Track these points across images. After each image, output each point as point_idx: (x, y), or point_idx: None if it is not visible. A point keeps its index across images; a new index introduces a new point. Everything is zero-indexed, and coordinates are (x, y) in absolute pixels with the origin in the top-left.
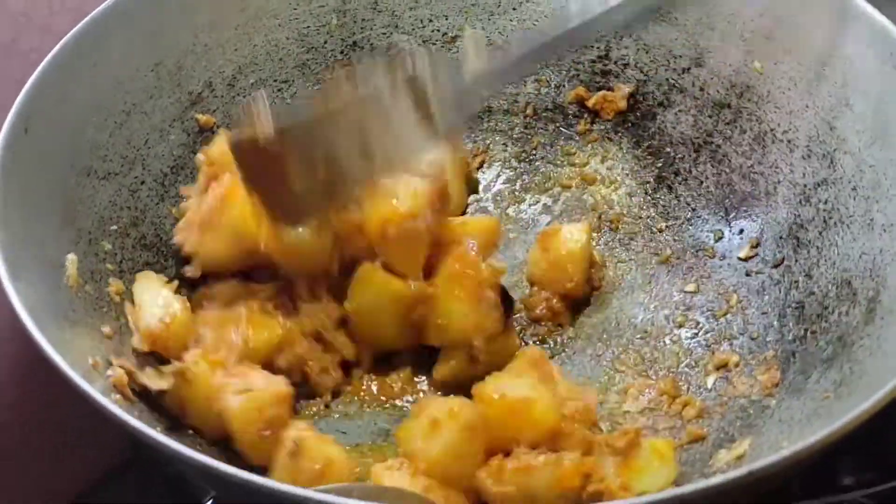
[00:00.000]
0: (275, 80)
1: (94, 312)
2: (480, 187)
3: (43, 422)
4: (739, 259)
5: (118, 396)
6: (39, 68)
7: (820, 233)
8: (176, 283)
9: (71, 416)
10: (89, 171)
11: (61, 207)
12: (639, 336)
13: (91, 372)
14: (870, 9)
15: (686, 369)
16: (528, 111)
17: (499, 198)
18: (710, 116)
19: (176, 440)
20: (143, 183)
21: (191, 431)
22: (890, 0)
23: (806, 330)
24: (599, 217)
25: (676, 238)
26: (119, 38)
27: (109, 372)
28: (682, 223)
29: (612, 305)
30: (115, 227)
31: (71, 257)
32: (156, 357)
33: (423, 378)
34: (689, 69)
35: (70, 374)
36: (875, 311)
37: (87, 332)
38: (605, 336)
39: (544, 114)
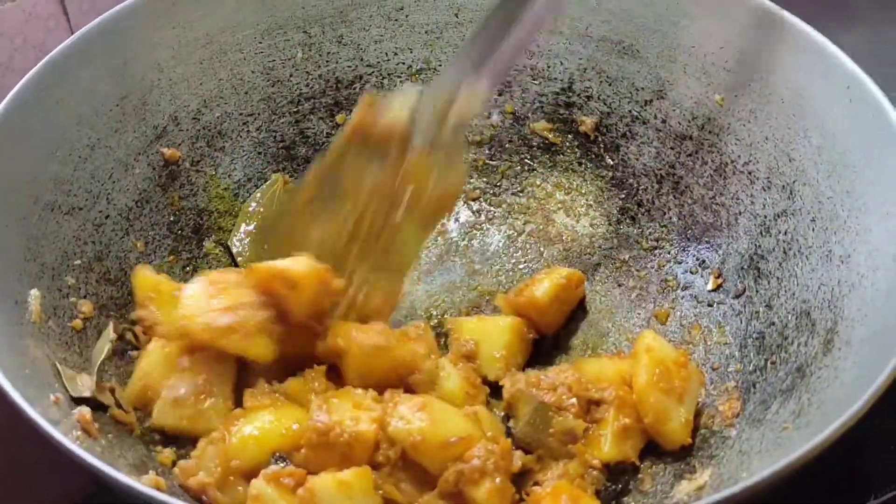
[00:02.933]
0: (240, 114)
1: (58, 348)
2: (445, 218)
3: (8, 457)
4: (702, 290)
5: (80, 433)
6: (1, 105)
7: (780, 263)
8: None
9: (37, 451)
10: (53, 206)
11: (24, 242)
12: None
13: (52, 409)
14: (825, 41)
15: None
16: (493, 143)
17: (464, 228)
18: (672, 148)
19: (137, 478)
20: (107, 217)
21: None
22: (844, 30)
23: (766, 360)
24: (563, 248)
25: (639, 269)
26: (82, 74)
27: (74, 410)
28: (646, 254)
29: (575, 335)
30: (78, 262)
31: (34, 293)
32: None
33: None
34: (651, 101)
35: (30, 412)
36: (833, 341)
37: (49, 369)
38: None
39: (508, 145)
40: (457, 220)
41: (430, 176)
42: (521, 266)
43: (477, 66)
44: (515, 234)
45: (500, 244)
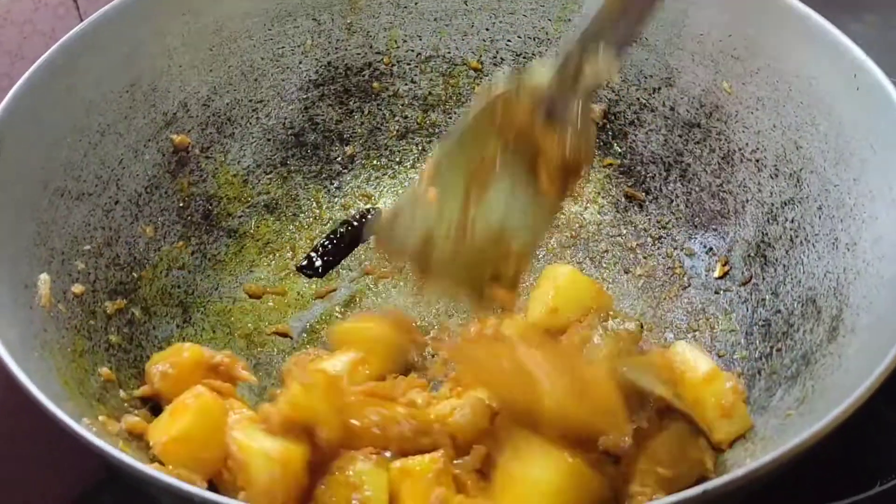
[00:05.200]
0: (249, 100)
1: (67, 332)
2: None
3: (14, 440)
4: (709, 277)
5: (87, 421)
6: (11, 92)
7: (787, 251)
8: None
9: (44, 435)
10: (63, 192)
11: (34, 227)
12: None
13: (61, 393)
14: (833, 29)
15: None
16: None
17: None
18: (679, 136)
19: (146, 463)
20: (117, 203)
21: None
22: (854, 18)
23: (772, 347)
24: (571, 235)
25: (647, 256)
26: (92, 61)
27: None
28: (653, 241)
29: None
30: (88, 247)
31: (44, 277)
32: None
33: None
34: (659, 89)
35: (39, 396)
36: (838, 329)
37: (58, 352)
38: None
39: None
40: None
41: (563, 144)
42: None
43: (600, 35)
44: None
45: None
